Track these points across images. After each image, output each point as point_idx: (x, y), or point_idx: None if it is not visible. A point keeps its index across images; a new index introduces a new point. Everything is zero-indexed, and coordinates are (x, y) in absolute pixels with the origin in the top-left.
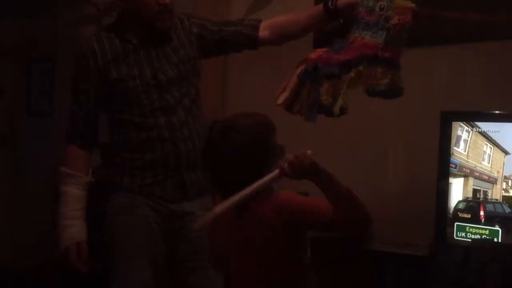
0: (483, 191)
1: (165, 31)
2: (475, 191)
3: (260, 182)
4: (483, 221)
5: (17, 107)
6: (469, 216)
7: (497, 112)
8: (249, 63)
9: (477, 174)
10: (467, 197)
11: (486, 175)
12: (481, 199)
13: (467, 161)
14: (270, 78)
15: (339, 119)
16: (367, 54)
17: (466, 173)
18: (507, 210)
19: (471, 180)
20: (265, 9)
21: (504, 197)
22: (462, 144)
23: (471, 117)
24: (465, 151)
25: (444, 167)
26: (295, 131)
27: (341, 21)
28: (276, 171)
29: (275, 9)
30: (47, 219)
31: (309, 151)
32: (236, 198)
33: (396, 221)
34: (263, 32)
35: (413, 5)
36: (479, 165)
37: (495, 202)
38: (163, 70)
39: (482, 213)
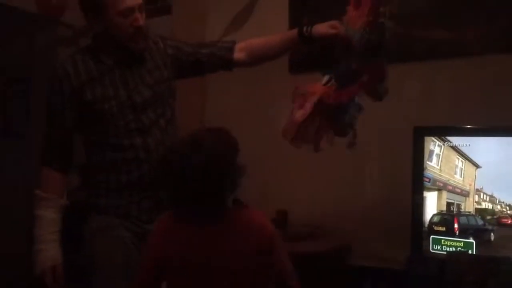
0: (457, 204)
1: (140, 52)
2: (448, 204)
3: None
4: (457, 234)
5: None
6: (444, 229)
7: (467, 126)
8: (228, 83)
9: (450, 187)
10: (441, 210)
11: (459, 188)
12: (454, 212)
13: (440, 175)
14: (248, 97)
15: None
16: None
17: (440, 187)
18: (480, 222)
19: (444, 194)
20: (241, 30)
21: (476, 210)
22: (434, 158)
23: (442, 132)
24: (438, 165)
25: (418, 181)
26: (271, 150)
27: (315, 45)
28: None
29: (250, 30)
30: (24, 242)
31: None
32: None
33: (373, 235)
34: (238, 54)
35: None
36: (452, 178)
37: (468, 215)
38: (138, 91)
39: (456, 225)
